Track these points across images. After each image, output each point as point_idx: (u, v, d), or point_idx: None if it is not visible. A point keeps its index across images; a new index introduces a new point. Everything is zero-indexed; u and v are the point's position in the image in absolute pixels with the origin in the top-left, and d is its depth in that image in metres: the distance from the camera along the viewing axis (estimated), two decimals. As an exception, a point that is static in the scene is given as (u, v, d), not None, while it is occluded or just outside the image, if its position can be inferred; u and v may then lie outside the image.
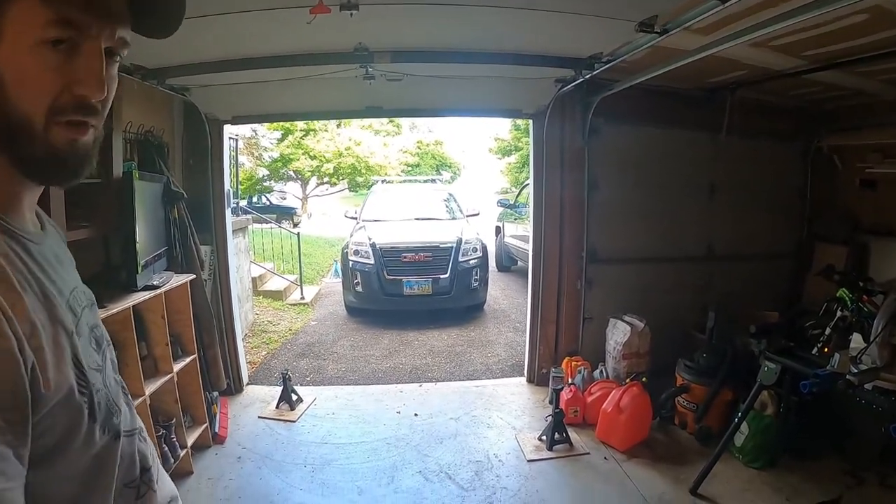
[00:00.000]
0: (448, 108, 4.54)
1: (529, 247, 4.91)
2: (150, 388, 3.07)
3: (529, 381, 4.94)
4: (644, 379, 3.94)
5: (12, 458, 0.57)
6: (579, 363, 4.52)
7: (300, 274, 8.89)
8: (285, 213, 20.57)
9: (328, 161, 20.78)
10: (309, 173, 22.08)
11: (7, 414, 0.57)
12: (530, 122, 4.65)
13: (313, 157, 20.44)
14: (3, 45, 0.62)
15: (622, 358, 4.41)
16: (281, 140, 20.30)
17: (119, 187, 3.00)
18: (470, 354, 5.97)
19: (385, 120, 23.51)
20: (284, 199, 23.63)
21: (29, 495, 0.59)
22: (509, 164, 26.76)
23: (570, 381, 4.38)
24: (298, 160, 20.40)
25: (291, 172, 22.23)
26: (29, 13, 0.61)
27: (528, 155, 4.61)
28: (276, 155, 20.20)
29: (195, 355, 3.65)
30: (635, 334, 4.38)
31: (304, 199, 24.64)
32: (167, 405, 3.38)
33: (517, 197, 10.50)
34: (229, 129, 4.63)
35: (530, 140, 4.77)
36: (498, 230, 11.18)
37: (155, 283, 3.19)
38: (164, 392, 3.29)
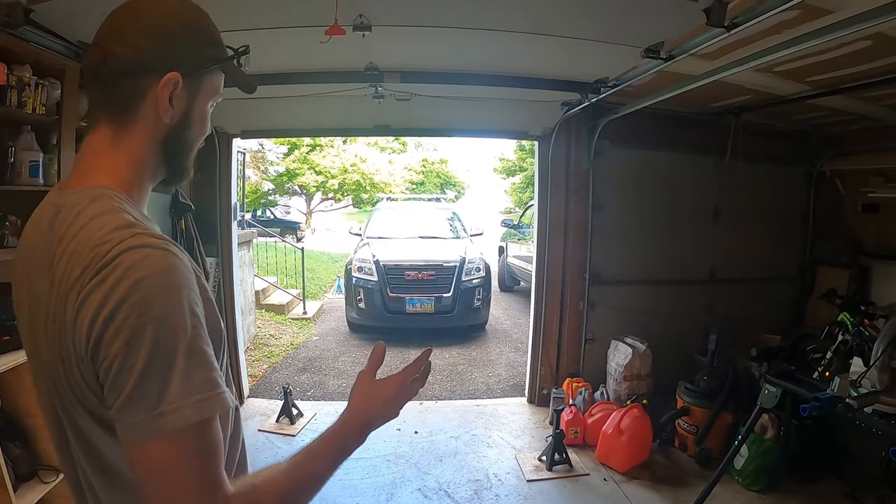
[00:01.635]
0: (455, 128, 4.59)
1: (533, 267, 4.93)
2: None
3: (530, 401, 4.93)
4: (645, 401, 3.94)
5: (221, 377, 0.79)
6: (580, 384, 4.52)
7: (303, 288, 8.91)
8: (289, 228, 20.59)
9: (333, 177, 20.75)
10: (314, 188, 22.04)
11: (215, 346, 0.80)
12: (536, 143, 4.70)
13: (319, 173, 20.40)
14: (199, 97, 0.94)
15: (623, 380, 4.40)
16: (287, 155, 20.29)
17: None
18: (471, 373, 5.96)
19: (391, 138, 23.66)
20: (288, 213, 23.59)
21: None
22: (513, 184, 26.72)
23: (570, 401, 4.38)
24: (304, 175, 20.38)
25: (296, 187, 22.25)
26: (213, 87, 0.96)
27: (533, 175, 4.64)
28: (281, 169, 20.23)
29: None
30: (637, 356, 4.38)
31: (309, 213, 24.63)
32: (168, 416, 3.38)
33: (521, 217, 10.45)
34: (238, 143, 4.68)
35: (535, 161, 4.82)
36: (501, 250, 11.16)
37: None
38: (165, 402, 3.30)
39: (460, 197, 28.12)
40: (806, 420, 3.01)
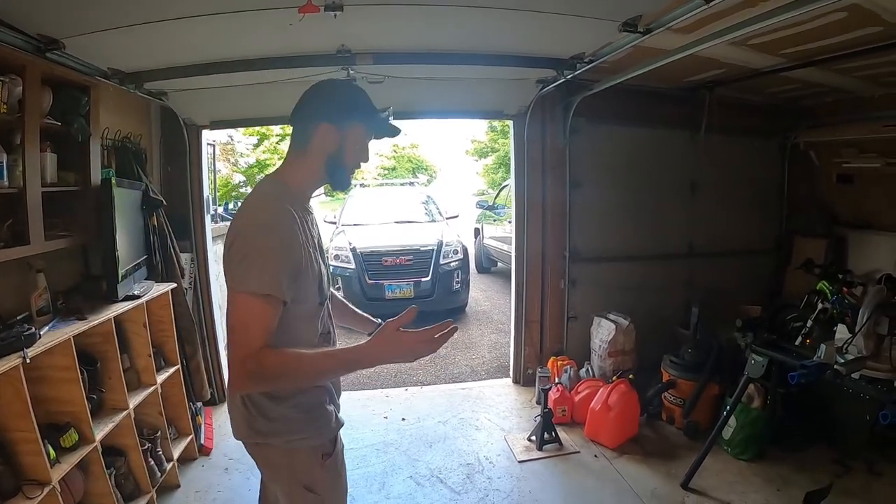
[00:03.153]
0: (429, 110, 4.50)
1: (512, 247, 4.92)
2: (134, 401, 3.00)
3: (515, 381, 4.94)
4: (631, 376, 3.98)
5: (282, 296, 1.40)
6: (565, 362, 4.54)
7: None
8: None
9: (304, 166, 20.46)
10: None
11: (288, 272, 1.42)
12: (511, 122, 4.65)
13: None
14: (348, 137, 1.55)
15: (608, 356, 4.43)
16: (257, 145, 19.87)
17: (98, 195, 2.92)
18: (454, 357, 5.95)
19: (360, 124, 23.30)
20: (259, 204, 23.21)
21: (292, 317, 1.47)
22: (486, 165, 26.79)
23: (556, 380, 4.39)
24: (275, 165, 19.94)
25: (267, 178, 21.79)
26: (362, 132, 1.59)
27: (507, 156, 4.61)
28: (252, 160, 19.82)
29: (178, 366, 3.57)
30: (620, 332, 4.41)
31: (280, 204, 24.18)
32: (152, 418, 3.31)
33: (496, 198, 10.52)
34: (208, 135, 4.54)
35: (511, 141, 4.77)
36: (477, 232, 11.18)
37: (136, 292, 3.11)
38: (148, 404, 3.22)
39: (432, 181, 28.02)
40: (792, 388, 3.06)
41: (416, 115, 4.61)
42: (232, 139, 13.98)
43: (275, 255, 1.38)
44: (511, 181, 4.93)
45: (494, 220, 9.89)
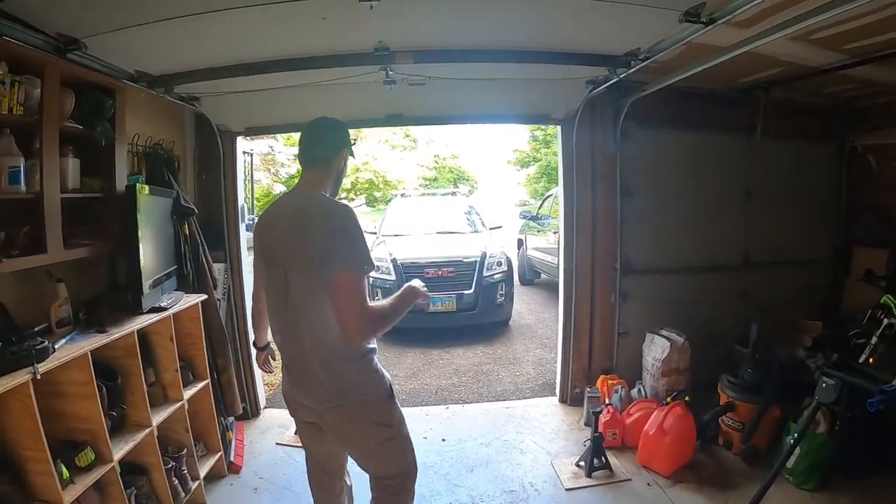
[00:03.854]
0: (472, 114, 4.28)
1: (560, 260, 4.62)
2: (158, 418, 2.86)
3: (562, 400, 4.64)
4: (687, 398, 3.65)
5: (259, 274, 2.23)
6: (615, 381, 4.24)
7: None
8: None
9: (345, 176, 20.69)
10: (328, 188, 21.93)
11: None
12: (558, 128, 4.39)
13: None
14: (344, 164, 2.19)
15: (661, 375, 4.11)
16: (297, 156, 20.21)
17: (122, 202, 2.79)
18: (498, 373, 5.68)
19: (402, 134, 23.47)
20: (302, 215, 23.43)
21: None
22: (528, 175, 26.59)
23: (607, 401, 4.09)
24: None
25: (308, 188, 22.07)
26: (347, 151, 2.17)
27: (550, 165, 4.38)
28: (293, 171, 20.22)
29: (208, 380, 3.42)
30: (675, 350, 4.08)
31: (322, 214, 24.41)
32: (178, 434, 3.16)
33: (539, 208, 10.26)
34: (243, 143, 4.44)
35: (559, 147, 4.50)
36: (520, 243, 10.93)
37: (163, 304, 2.97)
38: (174, 421, 3.07)
39: (474, 191, 27.84)
40: (864, 414, 2.72)
41: (459, 119, 4.40)
42: (272, 150, 14.11)
43: (366, 240, 1.93)
44: (559, 190, 4.65)
45: (538, 231, 9.63)
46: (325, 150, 2.08)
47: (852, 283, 4.57)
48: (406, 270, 6.82)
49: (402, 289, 2.11)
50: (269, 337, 2.40)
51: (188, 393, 3.19)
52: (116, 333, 2.55)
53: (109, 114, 2.75)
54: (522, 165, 26.87)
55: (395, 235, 8.05)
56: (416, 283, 2.18)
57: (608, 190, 4.35)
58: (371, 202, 23.75)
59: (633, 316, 4.47)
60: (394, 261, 6.89)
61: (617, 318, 4.47)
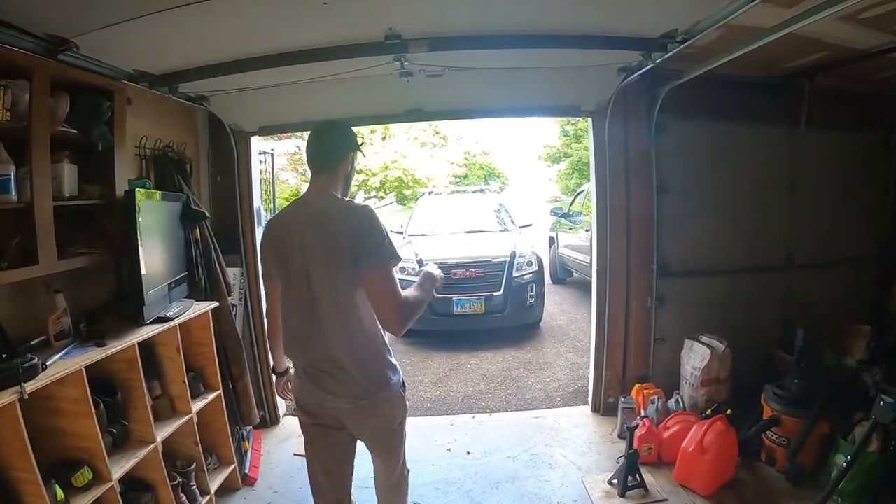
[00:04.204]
0: (496, 107, 4.05)
1: (592, 261, 4.37)
2: (164, 432, 2.74)
3: (594, 410, 4.39)
4: (728, 411, 3.37)
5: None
6: (651, 391, 3.97)
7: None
8: None
9: (374, 174, 20.66)
10: (355, 187, 22.03)
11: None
12: (589, 121, 4.13)
13: (359, 171, 20.35)
14: (352, 167, 2.18)
15: (700, 385, 3.84)
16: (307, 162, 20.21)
17: (121, 209, 2.65)
18: (527, 379, 5.44)
19: (431, 132, 23.31)
20: (332, 214, 23.43)
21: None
22: (559, 171, 26.24)
23: (642, 412, 3.83)
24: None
25: (337, 187, 22.19)
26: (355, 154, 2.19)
27: (581, 161, 4.11)
28: (320, 171, 20.22)
29: (219, 391, 3.28)
30: (715, 358, 3.81)
31: (352, 213, 24.44)
32: (187, 448, 3.03)
33: (571, 205, 9.97)
34: (260, 143, 4.31)
35: (590, 141, 4.24)
36: (551, 240, 10.64)
37: (169, 313, 2.83)
38: (182, 434, 2.94)
39: (504, 188, 27.54)
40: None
41: (482, 113, 4.16)
42: (299, 149, 14.06)
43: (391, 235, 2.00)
44: (590, 187, 4.39)
45: (570, 229, 9.33)
46: (330, 156, 2.07)
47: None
48: (433, 271, 6.60)
49: (421, 276, 2.15)
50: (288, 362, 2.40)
51: (198, 405, 3.07)
52: (115, 347, 2.42)
53: (107, 116, 2.61)
54: (553, 161, 26.51)
55: (422, 235, 7.86)
56: (433, 267, 2.23)
57: (643, 186, 4.07)
58: (401, 200, 23.66)
59: (670, 320, 4.19)
60: (420, 261, 6.66)
61: (653, 322, 4.19)
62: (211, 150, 4.01)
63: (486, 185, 19.04)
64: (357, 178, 21.57)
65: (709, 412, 3.42)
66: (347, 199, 2.09)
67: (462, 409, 4.75)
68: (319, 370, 2.03)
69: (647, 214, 4.07)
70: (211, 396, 3.21)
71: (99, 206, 2.66)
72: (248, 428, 3.77)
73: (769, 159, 4.25)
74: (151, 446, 2.59)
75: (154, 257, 2.77)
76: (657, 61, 3.08)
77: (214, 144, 4.00)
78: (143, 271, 2.60)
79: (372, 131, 21.16)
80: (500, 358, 6.09)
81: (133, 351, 2.54)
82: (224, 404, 3.35)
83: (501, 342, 6.52)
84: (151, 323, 2.70)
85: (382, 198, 24.17)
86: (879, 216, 4.60)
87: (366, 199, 24.55)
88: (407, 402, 2.22)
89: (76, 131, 2.47)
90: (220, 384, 3.31)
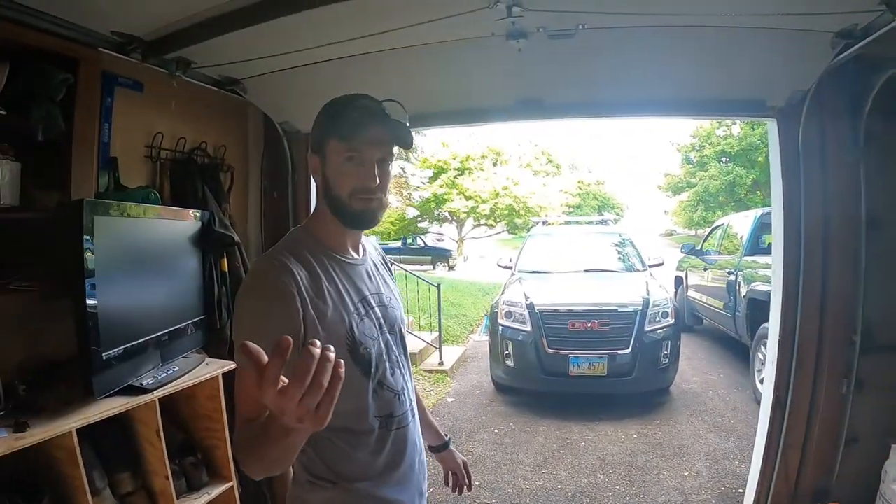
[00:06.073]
0: (644, 101, 2.86)
1: (773, 327, 3.05)
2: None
3: (756, 535, 3.03)
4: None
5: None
6: (835, 516, 2.63)
7: (440, 333, 7.56)
8: (440, 256, 20.56)
9: (484, 201, 20.29)
10: (464, 214, 21.65)
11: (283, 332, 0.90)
12: (774, 122, 2.85)
13: (468, 198, 20.05)
14: (328, 162, 1.24)
15: (912, 514, 2.46)
16: (433, 179, 20.16)
17: (61, 226, 1.80)
18: (657, 470, 4.12)
19: (544, 160, 22.61)
20: (441, 240, 23.00)
21: None
22: (681, 202, 24.81)
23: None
24: (452, 200, 20.08)
25: (446, 213, 21.89)
26: (337, 147, 1.21)
27: (712, 189, 2.88)
28: (427, 194, 20.03)
29: (233, 482, 2.37)
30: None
31: (461, 241, 24.02)
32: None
33: (704, 241, 8.67)
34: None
35: (773, 153, 2.93)
36: (679, 281, 9.33)
37: (146, 381, 1.95)
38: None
39: (619, 219, 26.38)
40: None
41: (625, 109, 2.93)
42: (404, 171, 13.58)
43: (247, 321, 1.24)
44: (774, 217, 3.06)
45: (705, 269, 7.97)
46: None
47: None
48: (545, 320, 5.44)
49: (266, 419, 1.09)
50: None
51: (203, 500, 2.18)
52: (34, 437, 1.56)
53: (59, 94, 1.80)
54: (675, 192, 25.00)
55: (534, 272, 6.76)
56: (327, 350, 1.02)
57: (845, 218, 2.76)
58: (512, 229, 22.89)
59: (868, 414, 2.80)
60: (530, 306, 5.55)
61: (847, 416, 2.83)
62: (266, 159, 3.19)
63: (601, 215, 17.68)
64: (466, 205, 21.21)
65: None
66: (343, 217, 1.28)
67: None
68: None
69: (850, 260, 2.75)
70: (222, 488, 2.32)
71: (52, 222, 1.84)
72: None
73: None
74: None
75: (126, 297, 1.91)
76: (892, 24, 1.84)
77: (271, 152, 3.17)
78: (95, 321, 1.73)
79: (483, 156, 20.76)
80: (622, 435, 4.79)
81: (70, 439, 1.66)
82: (239, 502, 2.43)
83: (624, 411, 5.22)
84: (113, 395, 1.83)
85: (493, 226, 23.49)
86: None
87: (475, 226, 24.02)
88: None
89: (4, 112, 1.67)
90: (235, 472, 2.40)
